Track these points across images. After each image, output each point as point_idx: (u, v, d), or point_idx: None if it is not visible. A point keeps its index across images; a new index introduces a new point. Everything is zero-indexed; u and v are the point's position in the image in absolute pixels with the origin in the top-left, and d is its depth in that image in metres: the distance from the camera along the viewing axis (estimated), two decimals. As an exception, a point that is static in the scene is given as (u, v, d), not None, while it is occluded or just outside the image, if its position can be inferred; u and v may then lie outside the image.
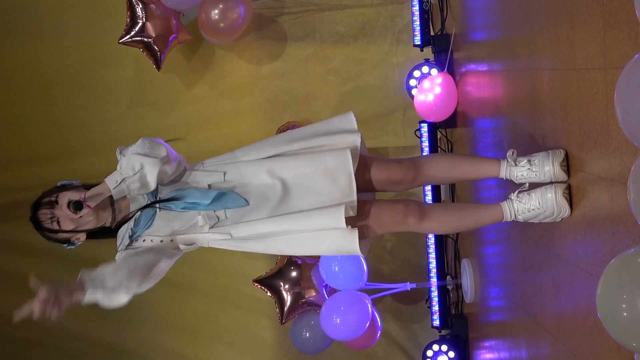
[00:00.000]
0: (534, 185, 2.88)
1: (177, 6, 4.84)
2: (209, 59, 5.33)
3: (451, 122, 4.88)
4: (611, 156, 2.33)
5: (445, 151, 5.01)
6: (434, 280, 4.98)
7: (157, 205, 2.89)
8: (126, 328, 5.34)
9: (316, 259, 4.75)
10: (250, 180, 2.91)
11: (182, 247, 2.94)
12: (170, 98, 5.35)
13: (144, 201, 2.91)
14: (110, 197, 2.88)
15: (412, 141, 5.21)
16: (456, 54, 4.75)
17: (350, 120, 2.99)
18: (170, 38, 4.92)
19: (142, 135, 2.99)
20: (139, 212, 2.89)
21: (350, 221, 2.81)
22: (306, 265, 4.90)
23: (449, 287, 5.02)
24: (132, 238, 2.90)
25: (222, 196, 2.87)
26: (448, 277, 5.00)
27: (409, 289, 4.79)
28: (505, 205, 2.93)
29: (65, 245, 2.97)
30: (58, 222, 2.88)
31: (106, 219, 2.93)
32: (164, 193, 2.90)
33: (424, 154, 5.00)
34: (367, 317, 4.59)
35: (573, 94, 2.63)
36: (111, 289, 2.71)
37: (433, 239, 5.00)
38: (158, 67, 4.93)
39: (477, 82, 4.31)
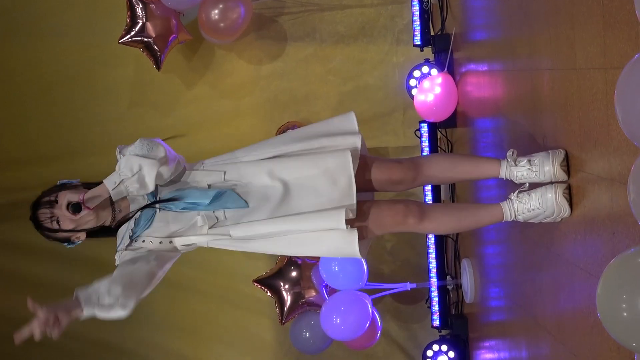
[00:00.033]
0: (534, 185, 2.88)
1: (177, 6, 4.84)
2: (209, 59, 5.33)
3: (451, 122, 4.88)
4: (611, 156, 2.33)
5: (445, 151, 5.01)
6: (434, 280, 4.98)
7: (157, 205, 2.89)
8: (126, 328, 5.33)
9: (316, 259, 4.75)
10: (251, 181, 2.91)
11: (180, 248, 2.94)
12: (170, 98, 5.35)
13: (144, 201, 2.91)
14: (110, 196, 2.89)
15: (412, 141, 5.21)
16: (456, 54, 4.75)
17: (351, 120, 2.98)
18: (170, 38, 4.92)
19: (142, 135, 2.99)
20: (138, 212, 2.90)
21: (349, 222, 2.81)
22: (306, 265, 4.90)
23: (449, 287, 5.02)
24: (132, 238, 2.90)
25: (221, 196, 2.87)
26: (448, 277, 5.00)
27: (409, 289, 4.79)
28: (505, 205, 2.93)
29: (65, 244, 2.97)
30: (58, 222, 2.88)
31: (106, 218, 2.93)
32: (164, 193, 2.90)
33: (424, 154, 5.00)
34: (367, 317, 4.59)
35: (573, 93, 2.63)
36: (108, 307, 2.73)
37: (433, 239, 5.00)
38: (158, 67, 4.93)
39: (477, 82, 4.31)
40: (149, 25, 4.86)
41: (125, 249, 2.91)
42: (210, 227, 2.88)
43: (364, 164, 2.97)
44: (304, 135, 3.01)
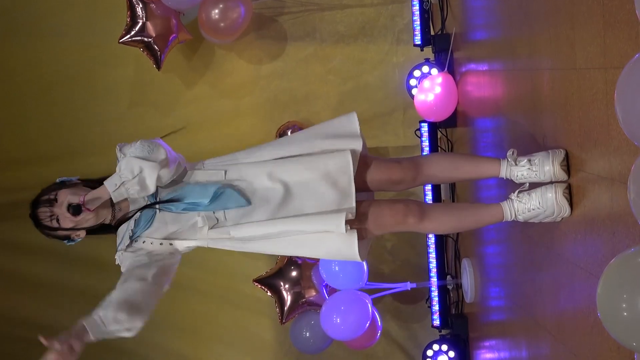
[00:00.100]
0: (534, 185, 2.88)
1: (178, 6, 4.84)
2: (209, 59, 5.33)
3: (451, 121, 4.88)
4: (611, 156, 2.33)
5: (445, 151, 5.01)
6: (434, 280, 4.98)
7: (157, 206, 2.89)
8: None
9: (316, 259, 4.76)
10: (251, 182, 2.91)
11: (182, 249, 2.94)
12: (170, 98, 5.35)
13: (144, 201, 2.91)
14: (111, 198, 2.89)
15: (412, 141, 5.21)
16: (456, 53, 4.75)
17: (352, 122, 2.98)
18: (171, 38, 4.92)
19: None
20: (138, 213, 2.90)
21: (349, 222, 2.81)
22: (306, 265, 4.90)
23: (449, 287, 5.02)
24: (132, 238, 2.90)
25: (221, 195, 2.87)
26: (448, 276, 5.00)
27: (409, 289, 4.79)
28: (505, 205, 2.93)
29: (65, 241, 2.97)
30: (57, 220, 2.88)
31: (106, 217, 2.93)
32: (164, 194, 2.90)
33: (424, 153, 5.00)
34: (367, 316, 4.59)
35: (573, 93, 2.63)
36: (115, 331, 2.78)
37: (433, 238, 5.00)
38: (158, 67, 4.93)
39: (477, 82, 4.31)
40: (149, 24, 4.86)
41: (126, 250, 2.91)
42: (211, 228, 2.88)
43: (363, 164, 2.97)
44: (305, 137, 3.01)
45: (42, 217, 2.88)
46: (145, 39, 4.88)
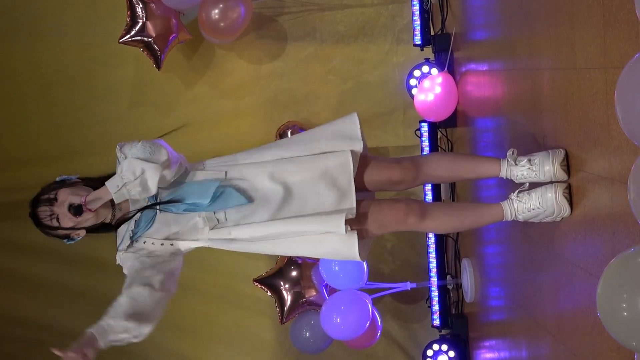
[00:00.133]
0: (534, 185, 2.88)
1: (178, 6, 4.84)
2: (209, 59, 5.33)
3: (451, 121, 4.88)
4: (611, 156, 2.33)
5: (445, 150, 5.01)
6: (434, 279, 4.98)
7: (158, 207, 2.89)
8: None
9: (316, 258, 4.76)
10: (252, 182, 2.91)
11: (182, 249, 2.94)
12: (170, 98, 5.35)
13: (144, 202, 2.91)
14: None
15: (412, 141, 5.21)
16: (456, 53, 4.75)
17: (353, 123, 2.98)
18: (171, 37, 4.92)
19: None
20: (139, 213, 2.90)
21: (349, 222, 2.81)
22: (306, 264, 4.90)
23: (449, 287, 5.02)
24: (133, 239, 2.90)
25: (221, 194, 2.87)
26: (448, 276, 5.00)
27: (409, 289, 4.79)
28: (505, 204, 2.93)
29: (65, 240, 2.97)
30: (57, 219, 2.88)
31: (106, 216, 2.93)
32: (164, 195, 2.90)
33: (424, 153, 5.00)
34: (367, 316, 4.59)
35: (573, 93, 2.63)
36: (124, 339, 2.78)
37: (433, 238, 5.00)
38: (158, 67, 4.93)
39: (478, 82, 4.31)
40: (149, 24, 4.86)
41: (126, 250, 2.91)
42: (212, 229, 2.88)
43: (364, 164, 2.97)
44: (305, 138, 3.02)
45: (42, 216, 2.88)
46: (145, 39, 4.88)
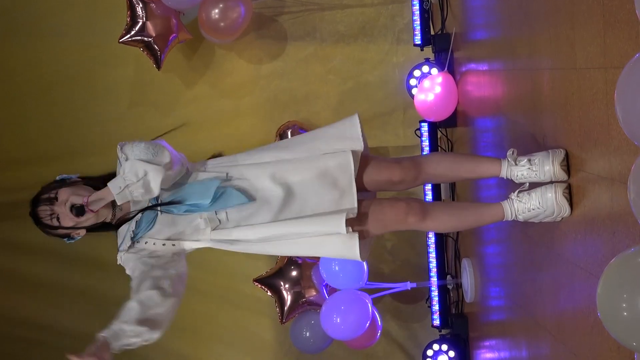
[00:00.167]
0: (534, 185, 2.88)
1: (178, 5, 4.84)
2: (209, 59, 5.33)
3: (451, 121, 4.88)
4: (611, 155, 2.33)
5: (445, 150, 5.01)
6: (434, 279, 4.98)
7: (158, 208, 2.88)
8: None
9: (317, 258, 4.76)
10: (253, 183, 2.91)
11: (184, 249, 2.94)
12: (170, 98, 5.35)
13: (146, 202, 2.90)
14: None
15: (412, 141, 5.21)
16: (456, 53, 4.75)
17: (354, 124, 2.98)
18: (171, 37, 4.92)
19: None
20: (139, 214, 2.89)
21: (351, 222, 2.81)
22: (306, 264, 4.90)
23: (449, 287, 5.02)
24: (134, 240, 2.90)
25: (222, 194, 2.87)
26: (448, 276, 5.00)
27: (409, 289, 4.79)
28: (506, 204, 2.93)
29: (65, 239, 2.97)
30: (58, 219, 2.88)
31: (106, 216, 2.93)
32: (165, 195, 2.90)
33: (424, 153, 5.00)
34: (367, 316, 4.59)
35: (573, 93, 2.62)
36: (135, 343, 2.78)
37: (433, 238, 4.99)
38: (158, 67, 4.93)
39: (478, 82, 4.31)
40: (149, 24, 4.86)
41: (127, 251, 2.91)
42: (213, 229, 2.88)
43: (364, 164, 2.97)
44: (306, 139, 3.02)
45: (42, 215, 2.88)
46: (145, 39, 4.88)
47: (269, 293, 4.92)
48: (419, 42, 5.02)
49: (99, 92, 5.33)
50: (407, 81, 5.02)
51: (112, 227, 2.95)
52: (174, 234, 2.90)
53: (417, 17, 5.02)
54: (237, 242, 2.91)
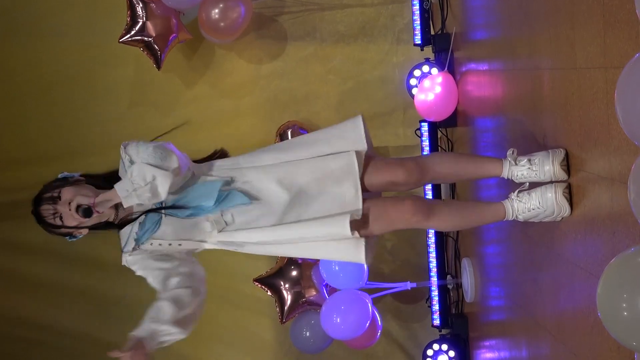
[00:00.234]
0: (534, 185, 2.88)
1: (178, 5, 4.84)
2: (209, 59, 5.33)
3: (451, 121, 4.88)
4: (611, 155, 2.33)
5: (445, 150, 5.01)
6: (434, 279, 4.98)
7: (163, 211, 2.88)
8: (126, 327, 5.33)
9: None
10: (257, 186, 2.90)
11: (190, 249, 2.94)
12: (170, 98, 5.35)
13: (149, 204, 2.89)
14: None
15: (412, 140, 5.21)
16: (456, 53, 4.75)
17: (358, 126, 2.98)
18: (171, 37, 4.92)
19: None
20: (143, 216, 2.89)
21: (355, 223, 2.81)
22: (306, 264, 4.90)
23: (449, 287, 5.02)
24: (139, 241, 2.89)
25: (227, 197, 2.87)
26: (448, 276, 5.00)
27: (409, 288, 4.79)
28: (506, 203, 2.93)
29: (67, 237, 2.96)
30: (61, 218, 2.87)
31: (109, 215, 2.93)
32: (170, 198, 2.89)
33: (424, 153, 5.00)
34: (367, 316, 4.59)
35: (573, 93, 2.62)
36: (166, 342, 2.83)
37: (433, 238, 4.99)
38: (158, 67, 4.93)
39: (478, 82, 4.31)
40: (149, 24, 4.86)
41: (132, 253, 2.90)
42: (219, 231, 2.89)
43: (368, 165, 2.95)
44: (309, 140, 3.01)
45: (45, 214, 2.87)
46: (146, 39, 4.88)
47: (269, 293, 4.92)
48: (419, 42, 5.03)
49: (99, 92, 5.33)
50: (407, 81, 5.02)
51: (114, 226, 2.95)
52: (180, 235, 2.90)
53: (417, 17, 5.02)
54: (243, 245, 2.92)
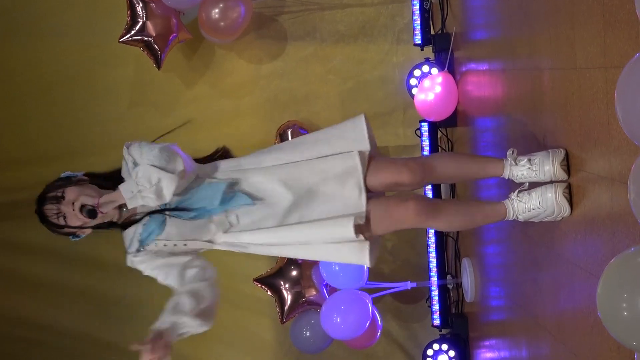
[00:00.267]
0: (534, 185, 2.88)
1: (178, 5, 4.84)
2: (209, 59, 5.33)
3: (451, 121, 4.88)
4: (611, 155, 2.33)
5: (445, 150, 5.01)
6: (434, 279, 4.98)
7: (167, 213, 2.88)
8: (126, 328, 5.34)
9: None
10: (261, 188, 2.90)
11: (196, 248, 2.94)
12: (170, 98, 5.35)
13: (153, 206, 2.89)
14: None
15: (412, 140, 5.21)
16: (456, 53, 4.75)
17: (357, 126, 2.97)
18: (171, 37, 4.92)
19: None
20: (147, 217, 2.88)
21: (358, 226, 2.81)
22: (306, 264, 4.90)
23: (450, 286, 5.02)
24: (143, 243, 2.88)
25: (231, 199, 2.87)
26: (448, 276, 5.00)
27: (409, 288, 4.79)
28: (507, 203, 2.92)
29: (70, 237, 2.96)
30: (64, 218, 2.86)
31: (113, 216, 2.92)
32: (174, 200, 2.88)
33: (424, 153, 5.00)
34: (367, 316, 4.59)
35: (573, 93, 2.62)
36: (190, 333, 2.83)
37: (433, 238, 4.99)
38: (158, 67, 4.93)
39: (478, 82, 4.31)
40: (149, 24, 4.86)
41: (137, 253, 2.90)
42: (224, 232, 2.89)
43: (372, 165, 2.94)
44: (312, 140, 3.00)
45: (49, 214, 2.87)
46: (146, 39, 4.88)
47: (269, 293, 4.92)
48: (419, 42, 5.03)
49: (99, 92, 5.33)
50: (407, 81, 5.02)
51: (118, 226, 2.95)
52: (185, 236, 2.89)
53: (417, 17, 5.02)
54: (248, 246, 2.92)
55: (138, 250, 2.89)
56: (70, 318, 5.41)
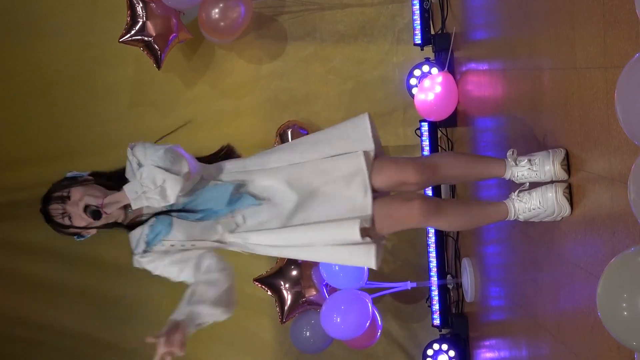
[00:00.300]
0: (534, 185, 2.88)
1: (178, 5, 4.84)
2: (209, 59, 5.33)
3: (451, 121, 4.88)
4: (612, 155, 2.33)
5: (445, 150, 5.01)
6: (434, 279, 4.98)
7: (173, 214, 2.87)
8: (126, 328, 5.34)
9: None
10: (266, 189, 2.90)
11: (204, 247, 2.94)
12: (170, 98, 5.35)
13: (158, 207, 2.89)
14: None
15: (412, 140, 5.21)
16: (456, 53, 4.75)
17: (358, 125, 2.97)
18: (171, 37, 4.92)
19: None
20: (153, 218, 2.88)
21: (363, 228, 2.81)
22: (306, 264, 4.89)
23: (450, 286, 5.02)
24: (150, 245, 2.88)
25: (237, 200, 2.87)
26: (448, 276, 5.00)
27: (409, 288, 4.79)
28: (508, 203, 2.92)
29: (75, 237, 2.95)
30: (70, 218, 2.86)
31: (118, 216, 2.91)
32: (180, 201, 2.88)
33: (424, 153, 4.99)
34: (367, 316, 4.59)
35: (573, 93, 2.62)
36: (209, 322, 2.82)
37: (433, 238, 4.99)
38: (158, 66, 4.93)
39: (478, 81, 4.31)
40: (149, 24, 4.86)
41: (144, 254, 2.89)
42: (230, 233, 2.89)
43: (377, 165, 2.93)
44: (316, 140, 2.99)
45: (54, 214, 2.86)
46: (146, 39, 4.88)
47: (269, 293, 4.92)
48: (419, 42, 5.02)
49: (99, 92, 5.33)
50: (407, 81, 5.02)
51: (124, 227, 2.94)
52: (192, 237, 2.89)
53: (417, 17, 5.02)
54: (255, 247, 2.92)
55: (145, 252, 2.89)
56: (70, 318, 5.41)
